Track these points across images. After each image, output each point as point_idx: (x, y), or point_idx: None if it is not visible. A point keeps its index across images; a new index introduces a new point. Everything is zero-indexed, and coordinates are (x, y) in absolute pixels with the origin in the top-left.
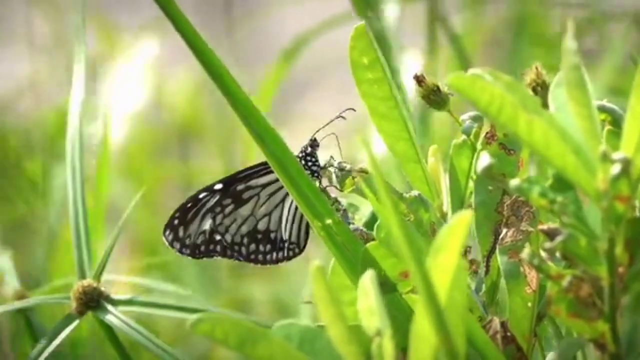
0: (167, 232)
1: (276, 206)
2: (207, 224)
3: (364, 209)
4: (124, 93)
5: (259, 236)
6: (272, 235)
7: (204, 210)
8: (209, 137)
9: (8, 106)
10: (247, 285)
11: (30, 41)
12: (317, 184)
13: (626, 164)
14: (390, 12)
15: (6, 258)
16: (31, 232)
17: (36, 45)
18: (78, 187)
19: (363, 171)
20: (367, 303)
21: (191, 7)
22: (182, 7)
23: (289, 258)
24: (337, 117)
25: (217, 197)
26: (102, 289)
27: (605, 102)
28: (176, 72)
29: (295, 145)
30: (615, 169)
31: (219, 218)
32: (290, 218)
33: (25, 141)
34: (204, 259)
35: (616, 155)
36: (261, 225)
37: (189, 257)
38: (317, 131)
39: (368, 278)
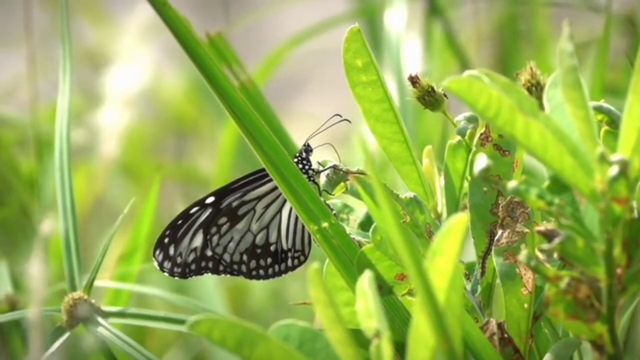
0: (157, 252)
1: (273, 217)
2: (198, 241)
3: (359, 210)
4: (121, 86)
5: (259, 251)
6: (272, 247)
7: (195, 226)
8: (205, 134)
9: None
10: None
11: (28, 37)
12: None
13: (624, 165)
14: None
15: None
16: (24, 231)
17: (34, 40)
18: (67, 196)
19: (361, 173)
20: (366, 305)
21: (186, 6)
22: (179, 7)
23: (294, 268)
24: (327, 126)
25: (208, 211)
26: (93, 301)
27: (602, 103)
28: (171, 68)
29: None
30: (613, 170)
31: (215, 239)
32: (291, 226)
33: (19, 138)
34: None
35: (614, 157)
36: (259, 240)
37: (179, 278)
38: (311, 136)
39: (366, 280)
